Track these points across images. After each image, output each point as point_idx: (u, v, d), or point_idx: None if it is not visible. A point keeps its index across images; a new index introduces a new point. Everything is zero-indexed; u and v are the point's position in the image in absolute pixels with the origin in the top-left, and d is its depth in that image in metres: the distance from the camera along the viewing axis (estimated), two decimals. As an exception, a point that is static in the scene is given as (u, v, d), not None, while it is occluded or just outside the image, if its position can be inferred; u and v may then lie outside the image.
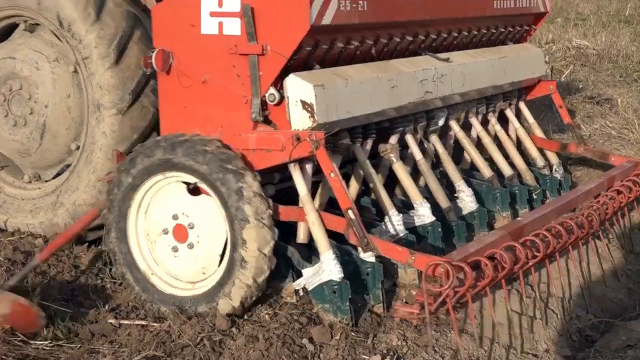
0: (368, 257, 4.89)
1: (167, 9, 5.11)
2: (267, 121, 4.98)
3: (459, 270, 4.52)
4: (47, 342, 4.59)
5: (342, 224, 4.85)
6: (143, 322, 4.86)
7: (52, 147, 6.05)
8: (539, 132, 7.21)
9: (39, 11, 5.80)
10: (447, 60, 6.00)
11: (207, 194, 4.94)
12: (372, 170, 5.46)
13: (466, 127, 6.65)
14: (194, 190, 5.03)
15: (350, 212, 4.77)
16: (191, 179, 4.96)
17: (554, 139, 8.06)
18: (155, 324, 4.81)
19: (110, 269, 5.48)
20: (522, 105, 7.24)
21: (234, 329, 4.69)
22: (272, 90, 4.89)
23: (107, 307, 5.05)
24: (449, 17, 6.10)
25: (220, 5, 4.91)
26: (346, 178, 5.48)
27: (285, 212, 5.00)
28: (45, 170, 6.20)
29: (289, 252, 5.03)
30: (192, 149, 4.90)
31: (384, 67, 5.50)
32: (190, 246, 5.06)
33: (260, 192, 4.81)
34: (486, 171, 6.41)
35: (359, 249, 4.87)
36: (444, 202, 5.83)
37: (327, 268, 4.81)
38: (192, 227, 5.03)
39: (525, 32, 7.27)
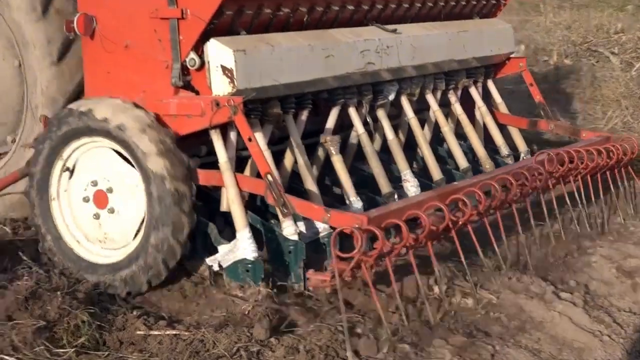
0: (291, 235, 4.79)
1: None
2: (188, 87, 4.91)
3: (370, 234, 4.41)
4: (72, 351, 4.32)
5: (261, 186, 4.78)
6: (174, 332, 4.55)
7: (5, 99, 6.03)
8: (506, 111, 7.02)
9: None
10: (394, 31, 5.87)
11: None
12: (299, 149, 5.33)
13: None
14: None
15: (268, 176, 4.70)
16: (77, 143, 5.04)
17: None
18: (187, 333, 4.51)
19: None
20: (490, 83, 7.05)
21: (272, 339, 4.45)
22: (193, 55, 4.83)
23: (135, 312, 4.76)
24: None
25: (145, -33, 4.85)
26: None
27: (206, 177, 4.93)
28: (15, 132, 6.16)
29: (208, 228, 4.95)
30: (69, 116, 4.98)
31: (319, 36, 5.40)
32: (110, 190, 5.04)
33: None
34: (435, 172, 6.07)
35: (282, 227, 4.79)
36: (385, 187, 5.64)
37: (242, 246, 4.75)
38: (95, 184, 5.06)
39: (494, 7, 7.10)
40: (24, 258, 5.17)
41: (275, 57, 5.00)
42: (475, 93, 6.85)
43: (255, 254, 4.69)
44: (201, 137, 4.95)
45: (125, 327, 4.62)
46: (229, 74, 4.76)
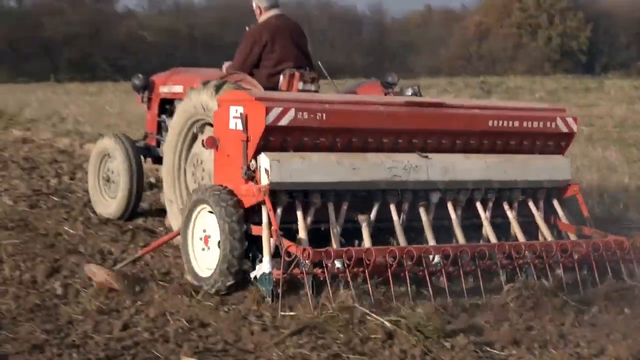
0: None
1: (220, 112, 8.93)
2: (253, 179, 8.56)
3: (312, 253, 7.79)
4: None
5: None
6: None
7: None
8: (564, 220, 9.54)
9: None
10: (425, 157, 8.94)
11: None
12: (332, 226, 8.57)
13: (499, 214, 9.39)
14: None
15: (277, 231, 8.17)
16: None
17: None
18: None
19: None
20: (555, 202, 9.60)
21: None
22: (253, 161, 8.49)
23: None
24: (432, 129, 9.05)
25: (237, 112, 8.65)
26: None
27: (255, 229, 8.50)
28: None
29: (258, 257, 8.51)
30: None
31: (351, 156, 8.70)
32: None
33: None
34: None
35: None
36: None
37: (265, 265, 8.24)
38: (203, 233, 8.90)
39: (557, 147, 9.71)
40: None
41: (305, 165, 8.46)
42: (532, 207, 9.47)
43: (269, 270, 8.09)
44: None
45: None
46: (267, 173, 8.36)
